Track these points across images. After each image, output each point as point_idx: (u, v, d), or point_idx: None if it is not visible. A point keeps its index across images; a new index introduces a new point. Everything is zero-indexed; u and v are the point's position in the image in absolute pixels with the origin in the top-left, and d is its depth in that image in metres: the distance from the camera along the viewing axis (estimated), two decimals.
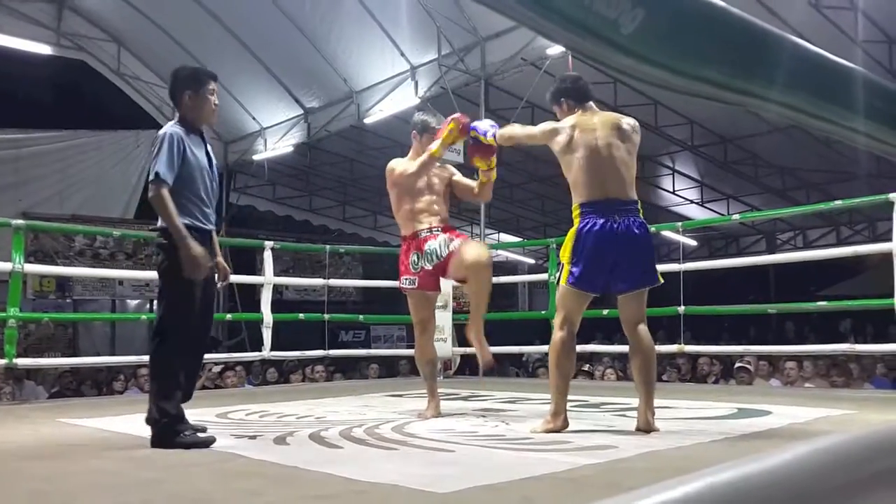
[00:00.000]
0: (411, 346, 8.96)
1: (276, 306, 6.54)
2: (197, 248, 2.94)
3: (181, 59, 11.45)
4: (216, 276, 3.34)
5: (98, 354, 10.90)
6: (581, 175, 3.17)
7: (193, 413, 4.07)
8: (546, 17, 0.45)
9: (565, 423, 3.14)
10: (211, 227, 3.20)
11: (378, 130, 11.45)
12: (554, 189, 13.82)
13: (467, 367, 8.38)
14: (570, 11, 0.45)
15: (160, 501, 2.11)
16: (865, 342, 9.40)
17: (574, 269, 3.14)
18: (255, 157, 12.64)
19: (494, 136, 3.62)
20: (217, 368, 7.25)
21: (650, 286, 3.23)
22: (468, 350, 7.63)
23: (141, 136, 12.92)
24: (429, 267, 3.76)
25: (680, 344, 5.86)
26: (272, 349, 6.18)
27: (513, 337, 8.39)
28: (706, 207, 14.01)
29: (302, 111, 11.65)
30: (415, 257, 3.80)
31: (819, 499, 0.52)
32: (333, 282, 9.24)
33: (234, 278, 11.16)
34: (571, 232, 3.18)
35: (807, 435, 2.83)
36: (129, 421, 3.83)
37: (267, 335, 6.14)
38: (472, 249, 3.71)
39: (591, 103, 3.37)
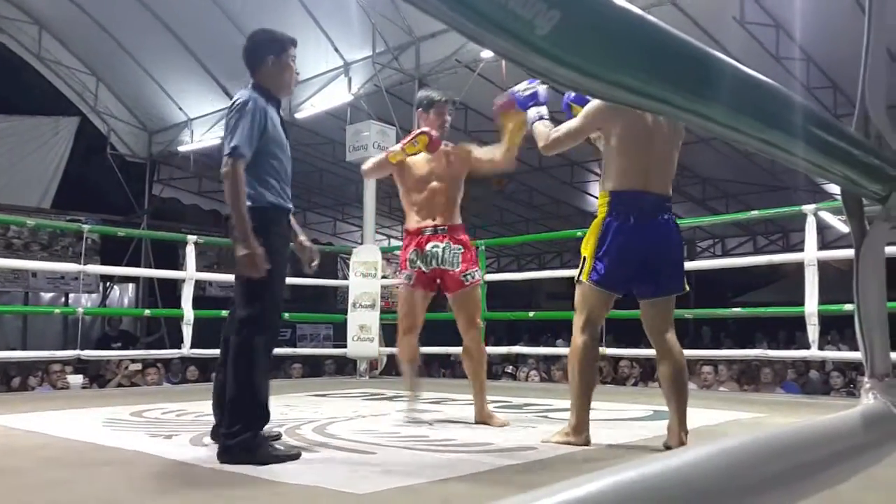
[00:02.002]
0: (338, 346, 8.83)
1: (199, 302, 6.38)
2: (258, 247, 2.58)
3: (106, 44, 11.08)
4: (304, 258, 3.03)
5: (8, 349, 10.44)
6: (621, 161, 2.80)
7: (107, 411, 3.96)
8: (462, 13, 0.45)
9: (587, 441, 2.82)
10: (291, 206, 2.86)
11: (309, 126, 11.31)
12: (484, 191, 13.92)
13: (394, 368, 8.36)
14: (486, 9, 0.45)
15: (65, 501, 2.03)
16: (778, 348, 9.76)
17: (599, 266, 2.79)
18: (181, 149, 12.32)
19: (532, 123, 3.08)
20: (134, 366, 7.03)
21: (677, 293, 2.88)
22: (395, 350, 7.62)
23: (61, 123, 12.45)
24: (425, 269, 3.53)
25: (601, 347, 5.96)
26: (193, 347, 6.03)
27: (441, 337, 8.40)
28: None
29: None
30: (413, 255, 3.54)
31: (720, 498, 0.54)
32: None
33: (154, 273, 10.88)
34: (596, 223, 2.83)
35: (716, 436, 2.92)
36: (38, 418, 3.69)
37: (187, 332, 5.99)
38: (473, 325, 3.55)
39: None
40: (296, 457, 2.54)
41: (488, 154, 3.58)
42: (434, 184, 3.55)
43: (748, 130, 0.68)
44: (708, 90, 0.61)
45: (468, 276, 3.53)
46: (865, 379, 0.92)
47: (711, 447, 0.57)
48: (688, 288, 2.90)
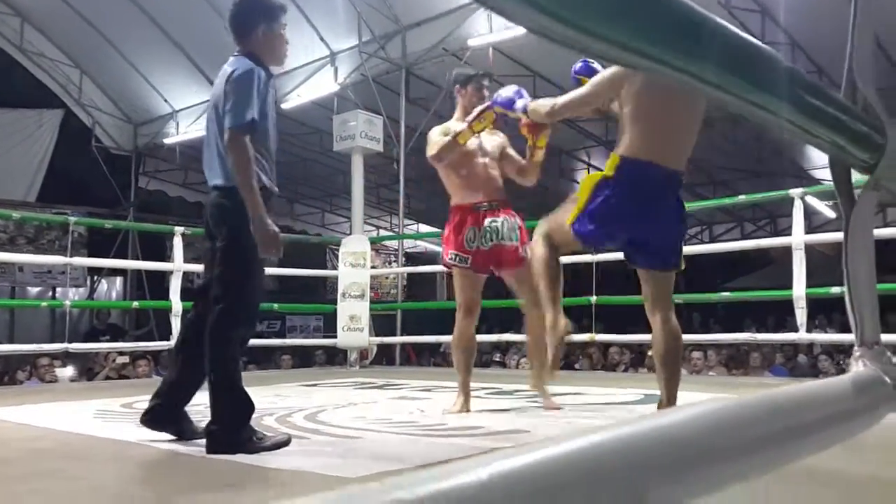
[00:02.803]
0: (328, 336, 8.78)
1: (187, 294, 6.32)
2: (272, 224, 2.49)
3: (89, 36, 10.97)
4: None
5: None
6: (633, 129, 2.66)
7: (98, 403, 3.94)
8: None
9: (566, 328, 2.78)
10: (277, 189, 2.70)
11: (295, 116, 11.27)
12: None
13: (384, 357, 8.37)
14: None
15: (56, 490, 2.01)
16: (767, 332, 9.82)
17: (584, 220, 2.66)
18: (167, 141, 12.25)
19: (525, 110, 3.07)
20: (122, 359, 6.99)
21: (671, 269, 2.76)
22: (385, 340, 7.64)
23: (44, 116, 12.34)
24: (485, 248, 3.36)
25: (591, 333, 5.98)
26: None
27: (431, 327, 8.42)
28: None
29: None
30: (471, 233, 3.37)
31: (710, 456, 0.53)
32: None
33: (142, 265, 10.82)
34: (594, 178, 2.71)
35: None
36: (29, 411, 3.67)
37: (176, 324, 5.96)
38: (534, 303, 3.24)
39: None
40: (285, 443, 2.52)
41: (516, 158, 3.54)
42: (485, 159, 3.46)
43: (737, 91, 0.68)
44: (698, 48, 0.60)
45: (526, 250, 3.38)
46: (855, 347, 0.92)
47: (701, 407, 0.57)
48: (682, 266, 2.78)
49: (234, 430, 2.47)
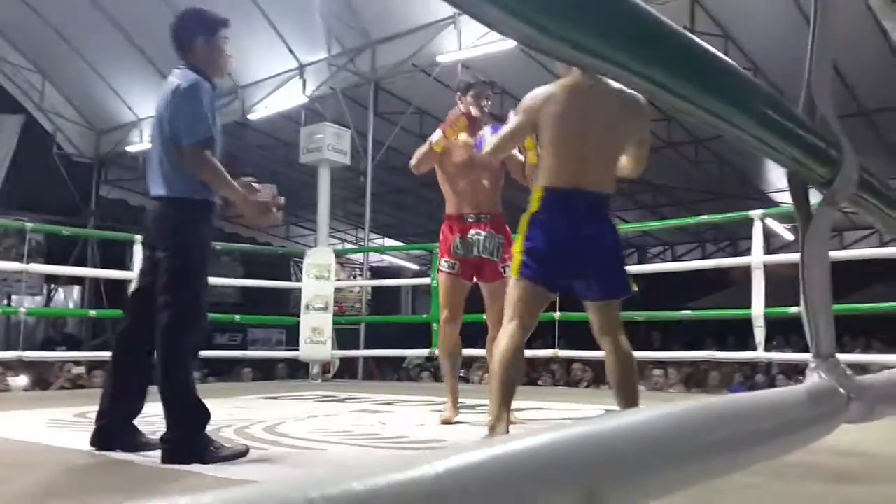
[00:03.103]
0: (291, 349, 8.69)
1: None
2: (255, 197, 2.62)
3: (53, 42, 10.80)
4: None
5: None
6: (553, 154, 2.59)
7: (51, 413, 3.84)
8: None
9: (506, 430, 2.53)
10: (219, 200, 2.71)
11: (262, 128, 11.20)
12: (441, 195, 13.92)
13: (347, 371, 8.30)
14: None
15: (3, 500, 1.96)
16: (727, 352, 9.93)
17: (526, 260, 2.56)
18: (130, 149, 12.08)
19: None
20: (77, 369, 6.85)
21: (621, 296, 2.66)
22: (348, 353, 7.58)
23: (5, 121, 12.10)
24: (470, 257, 3.47)
25: (554, 349, 6.01)
26: None
27: (395, 341, 8.39)
28: None
29: None
30: (458, 241, 3.48)
31: (666, 458, 0.53)
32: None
33: (99, 273, 10.65)
34: (525, 217, 2.62)
35: None
36: None
37: None
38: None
39: None
40: (242, 454, 2.48)
41: (519, 159, 3.45)
42: (476, 170, 3.50)
43: (698, 101, 0.69)
44: (653, 52, 0.61)
45: (507, 269, 3.32)
46: (811, 358, 0.94)
47: (654, 411, 0.57)
48: (635, 289, 2.69)
49: (189, 438, 2.43)
